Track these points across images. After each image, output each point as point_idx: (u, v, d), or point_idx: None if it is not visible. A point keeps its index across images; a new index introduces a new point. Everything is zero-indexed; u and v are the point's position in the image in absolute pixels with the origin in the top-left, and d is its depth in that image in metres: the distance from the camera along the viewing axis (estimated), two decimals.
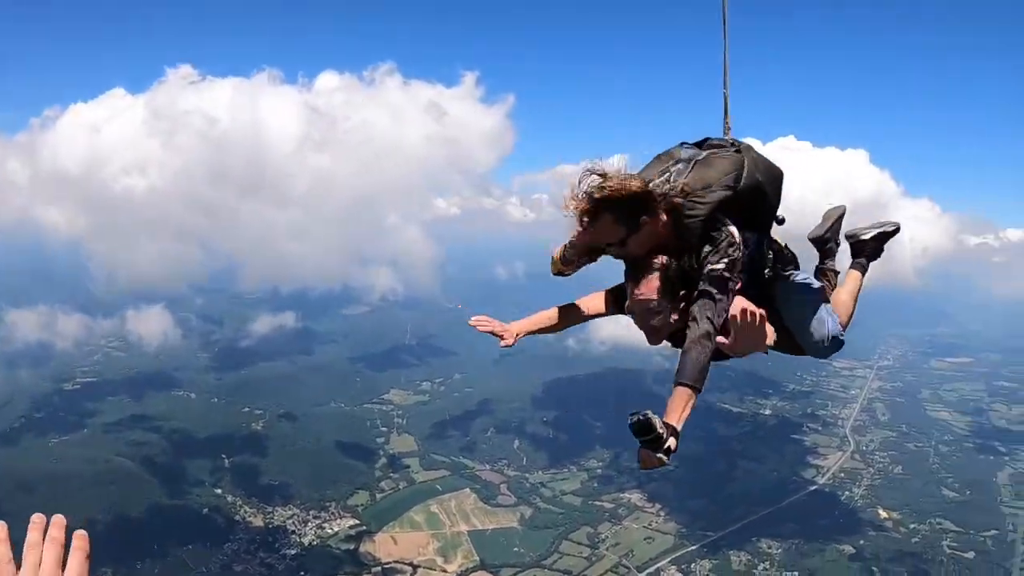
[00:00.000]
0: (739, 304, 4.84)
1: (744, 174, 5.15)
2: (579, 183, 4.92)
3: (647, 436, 4.33)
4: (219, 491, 77.45)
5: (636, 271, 5.10)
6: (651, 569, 71.27)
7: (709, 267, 4.89)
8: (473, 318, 5.58)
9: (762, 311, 4.76)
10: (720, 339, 4.82)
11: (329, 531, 73.66)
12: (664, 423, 4.38)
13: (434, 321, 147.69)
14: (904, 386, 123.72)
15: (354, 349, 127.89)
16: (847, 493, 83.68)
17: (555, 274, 5.86)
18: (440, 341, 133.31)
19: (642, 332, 5.22)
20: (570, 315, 5.94)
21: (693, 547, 73.78)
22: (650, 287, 5.01)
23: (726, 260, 4.90)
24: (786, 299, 5.75)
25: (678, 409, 4.54)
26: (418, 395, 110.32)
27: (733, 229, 4.99)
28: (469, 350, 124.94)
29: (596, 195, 4.80)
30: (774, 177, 5.42)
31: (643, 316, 5.10)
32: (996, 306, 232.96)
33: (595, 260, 5.57)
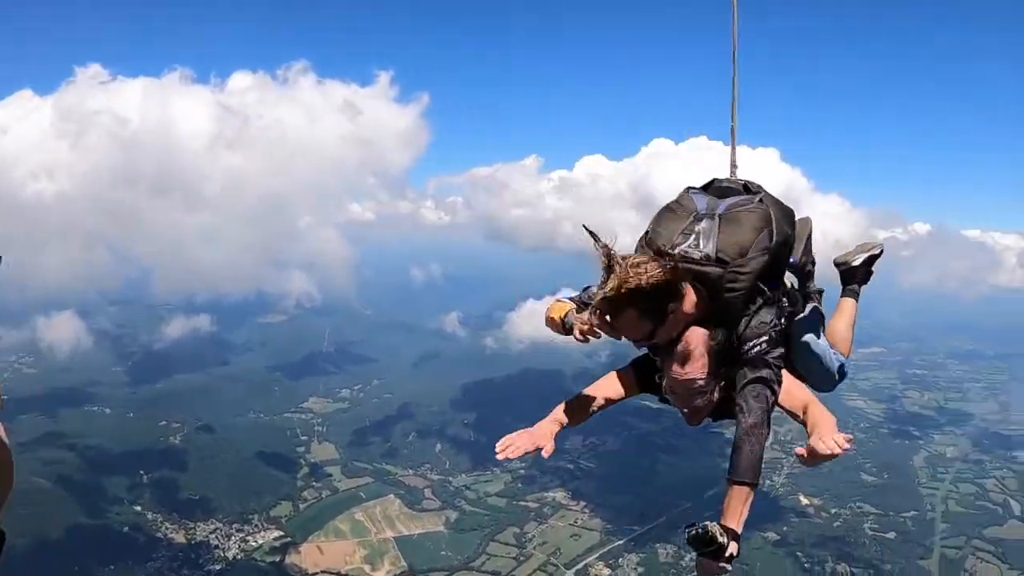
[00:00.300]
0: (824, 436, 4.23)
1: (775, 230, 4.69)
2: (602, 268, 4.30)
3: (708, 548, 4.06)
4: (139, 508, 75.22)
5: (671, 347, 4.50)
6: (579, 566, 71.84)
7: (752, 344, 4.55)
8: (502, 445, 4.61)
9: (849, 437, 4.19)
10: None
11: (253, 544, 72.39)
12: (724, 528, 4.10)
13: (351, 327, 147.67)
14: None
15: (271, 358, 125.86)
16: (768, 482, 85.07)
17: (549, 327, 5.04)
18: (358, 347, 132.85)
19: (683, 413, 4.71)
20: (587, 407, 5.09)
21: (620, 542, 74.66)
22: (696, 367, 4.46)
23: (771, 333, 4.60)
24: (797, 342, 5.31)
25: (738, 511, 4.22)
26: (338, 402, 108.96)
27: (767, 294, 4.68)
28: (387, 355, 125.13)
29: (614, 295, 4.21)
30: (794, 223, 5.06)
31: (687, 397, 4.60)
32: (906, 297, 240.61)
33: None
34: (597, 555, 73.01)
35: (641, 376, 5.03)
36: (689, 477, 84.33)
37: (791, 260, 5.31)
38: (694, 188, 5.09)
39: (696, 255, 4.49)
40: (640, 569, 70.51)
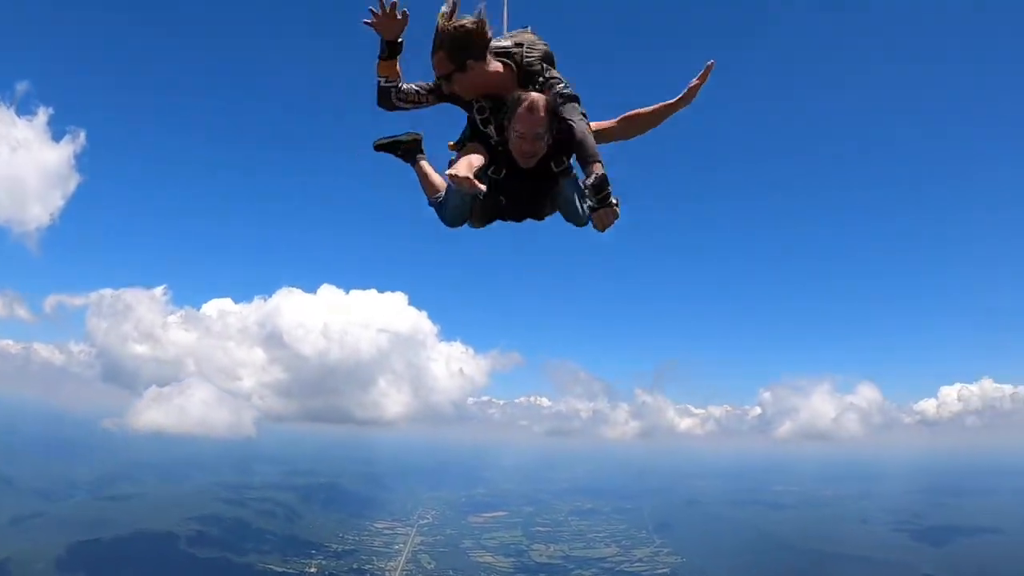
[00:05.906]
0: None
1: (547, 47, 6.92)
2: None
3: (605, 192, 5.98)
4: None
5: (516, 107, 6.21)
6: None
7: (558, 85, 6.50)
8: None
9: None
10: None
11: None
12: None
13: None
14: (446, 539, 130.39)
15: None
16: None
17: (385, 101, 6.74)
18: None
19: (522, 155, 6.42)
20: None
21: None
22: (541, 117, 6.19)
23: (564, 82, 6.57)
24: (569, 186, 6.98)
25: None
26: None
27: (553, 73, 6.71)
28: None
29: (435, 36, 6.19)
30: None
31: (534, 140, 6.28)
32: (526, 463, 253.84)
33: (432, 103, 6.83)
34: None
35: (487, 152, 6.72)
36: None
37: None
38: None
39: (506, 43, 6.66)
40: None
